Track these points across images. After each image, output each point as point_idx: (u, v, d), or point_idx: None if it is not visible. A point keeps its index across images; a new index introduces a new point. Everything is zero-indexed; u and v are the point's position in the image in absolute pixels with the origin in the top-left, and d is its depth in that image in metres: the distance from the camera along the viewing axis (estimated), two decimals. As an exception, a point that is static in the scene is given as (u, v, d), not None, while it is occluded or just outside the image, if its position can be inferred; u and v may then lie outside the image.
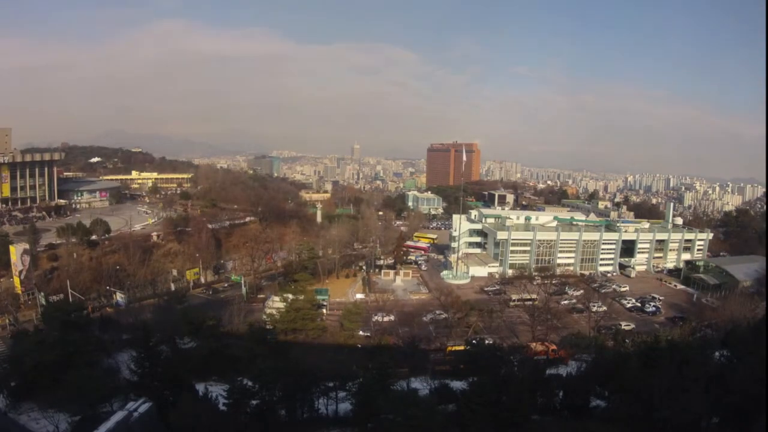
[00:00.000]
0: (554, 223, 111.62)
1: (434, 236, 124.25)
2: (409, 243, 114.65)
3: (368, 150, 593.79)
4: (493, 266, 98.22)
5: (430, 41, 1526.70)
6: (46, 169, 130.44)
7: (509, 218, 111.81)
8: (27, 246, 75.04)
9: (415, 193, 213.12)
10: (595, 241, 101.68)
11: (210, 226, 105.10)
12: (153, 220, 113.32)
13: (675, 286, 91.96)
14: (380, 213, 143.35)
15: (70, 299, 67.17)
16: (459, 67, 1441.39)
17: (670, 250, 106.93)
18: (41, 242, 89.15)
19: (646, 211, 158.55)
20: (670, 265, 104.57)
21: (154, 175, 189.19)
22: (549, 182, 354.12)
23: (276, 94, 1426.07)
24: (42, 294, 69.86)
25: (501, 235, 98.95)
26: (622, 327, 67.16)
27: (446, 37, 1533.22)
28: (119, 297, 72.04)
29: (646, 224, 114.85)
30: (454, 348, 55.93)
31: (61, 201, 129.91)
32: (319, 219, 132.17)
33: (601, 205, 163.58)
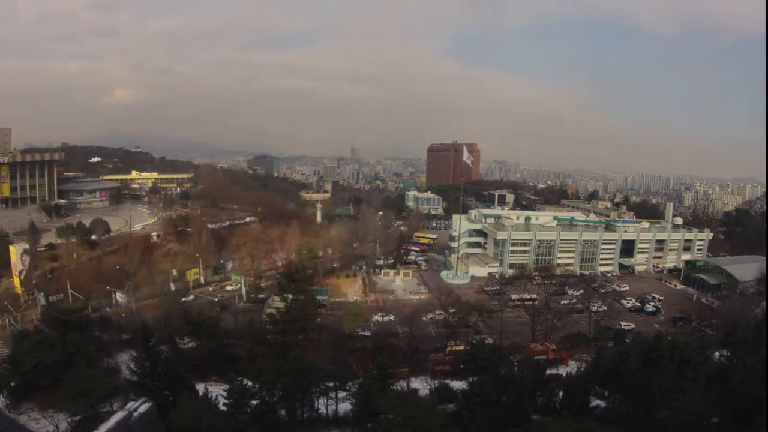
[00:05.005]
0: (554, 223, 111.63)
1: (434, 236, 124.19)
2: (409, 243, 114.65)
3: (368, 150, 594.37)
4: (493, 266, 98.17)
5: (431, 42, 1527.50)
6: (46, 169, 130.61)
7: (509, 218, 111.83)
8: (27, 246, 75.11)
9: (415, 193, 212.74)
10: (594, 241, 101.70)
11: (210, 226, 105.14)
12: (153, 220, 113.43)
13: (675, 286, 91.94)
14: (380, 213, 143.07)
15: (70, 299, 67.17)
16: (461, 67, 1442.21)
17: (670, 250, 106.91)
18: (41, 242, 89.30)
19: (646, 211, 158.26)
20: (670, 265, 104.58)
21: (154, 175, 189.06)
22: (549, 182, 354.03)
23: (275, 92, 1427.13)
24: (42, 294, 69.90)
25: (501, 235, 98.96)
26: (622, 327, 67.14)
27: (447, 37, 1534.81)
28: (119, 297, 72.01)
29: (646, 224, 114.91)
30: (454, 348, 55.92)
31: (61, 201, 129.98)
32: (319, 219, 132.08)
33: (601, 205, 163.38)
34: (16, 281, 71.49)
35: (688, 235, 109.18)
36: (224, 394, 38.68)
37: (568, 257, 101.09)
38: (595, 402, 44.24)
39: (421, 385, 46.57)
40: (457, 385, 45.33)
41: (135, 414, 37.29)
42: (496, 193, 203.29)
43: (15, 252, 71.48)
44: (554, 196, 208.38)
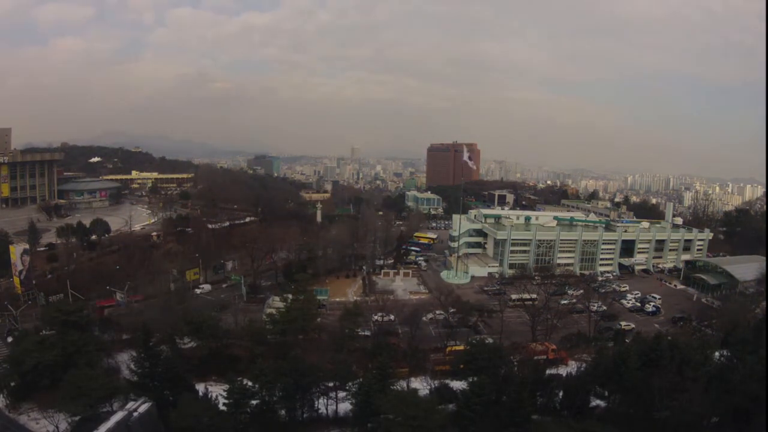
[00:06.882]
0: (554, 223, 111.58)
1: (434, 236, 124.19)
2: (409, 243, 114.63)
3: (368, 150, 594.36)
4: (493, 266, 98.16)
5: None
6: (46, 169, 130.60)
7: (509, 218, 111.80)
8: (27, 246, 75.08)
9: (415, 193, 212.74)
10: (594, 241, 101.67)
11: (210, 226, 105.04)
12: (153, 220, 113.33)
13: (675, 286, 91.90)
14: (380, 213, 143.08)
15: (70, 299, 67.11)
16: (462, 68, 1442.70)
17: (670, 250, 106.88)
18: (41, 242, 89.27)
19: (646, 211, 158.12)
20: (670, 265, 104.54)
21: (154, 175, 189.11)
22: (549, 182, 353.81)
23: (276, 93, 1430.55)
24: (42, 294, 69.85)
25: (501, 235, 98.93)
26: (622, 327, 67.14)
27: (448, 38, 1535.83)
28: (119, 297, 71.95)
29: (646, 224, 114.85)
30: (454, 348, 55.93)
31: (61, 201, 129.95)
32: (319, 219, 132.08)
33: (601, 205, 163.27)
34: (16, 281, 71.45)
35: (688, 235, 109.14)
36: (224, 394, 38.70)
37: (568, 257, 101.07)
38: (595, 402, 44.26)
39: (421, 385, 46.56)
40: (457, 385, 45.33)
41: (135, 414, 37.36)
42: (496, 193, 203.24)
43: (15, 252, 71.43)
44: (554, 196, 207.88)
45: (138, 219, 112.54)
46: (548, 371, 46.62)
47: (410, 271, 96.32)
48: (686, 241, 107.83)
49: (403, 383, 45.60)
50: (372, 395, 37.90)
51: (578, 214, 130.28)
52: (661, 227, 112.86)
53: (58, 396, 39.71)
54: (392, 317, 65.34)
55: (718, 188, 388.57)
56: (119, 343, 56.91)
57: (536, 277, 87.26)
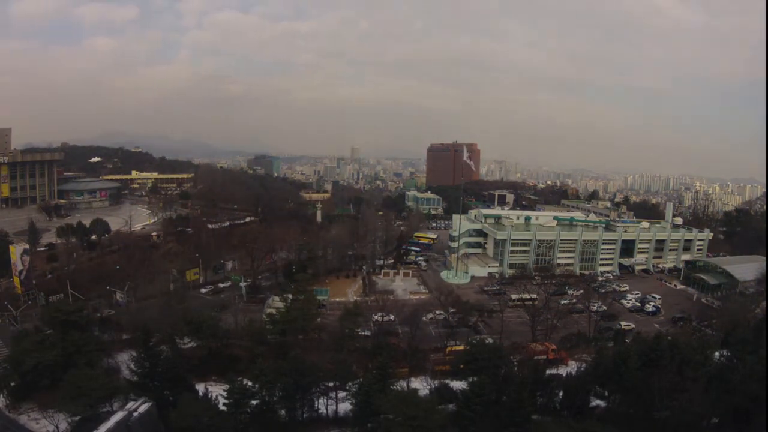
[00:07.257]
0: (554, 223, 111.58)
1: (434, 236, 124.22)
2: (409, 243, 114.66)
3: (368, 150, 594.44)
4: (493, 266, 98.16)
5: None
6: (45, 169, 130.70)
7: (509, 218, 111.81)
8: (27, 246, 75.12)
9: (415, 193, 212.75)
10: (594, 241, 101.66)
11: (210, 226, 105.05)
12: (153, 220, 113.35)
13: (675, 286, 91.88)
14: (380, 213, 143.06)
15: (70, 299, 67.11)
16: (462, 68, 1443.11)
17: (670, 250, 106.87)
18: (41, 242, 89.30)
19: (646, 211, 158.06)
20: (670, 265, 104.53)
21: (154, 175, 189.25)
22: (549, 182, 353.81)
23: (276, 92, 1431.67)
24: (42, 294, 69.85)
25: (501, 235, 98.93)
26: (622, 327, 67.15)
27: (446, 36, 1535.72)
28: (119, 297, 71.98)
29: (645, 224, 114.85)
30: (454, 348, 55.95)
31: (61, 201, 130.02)
32: (319, 219, 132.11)
33: (601, 205, 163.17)
34: (16, 281, 71.48)
35: (688, 235, 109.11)
36: (224, 394, 38.72)
37: (568, 257, 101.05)
38: (595, 402, 44.27)
39: (421, 385, 46.58)
40: (457, 385, 45.35)
41: (135, 414, 37.37)
42: (496, 193, 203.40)
43: (15, 252, 71.47)
44: (554, 196, 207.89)
45: (138, 219, 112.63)
46: (548, 371, 46.62)
47: (410, 271, 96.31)
48: (686, 241, 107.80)
49: (403, 383, 45.62)
50: (372, 395, 37.91)
51: (578, 214, 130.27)
52: (661, 227, 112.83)
53: (58, 396, 39.72)
54: (392, 317, 65.34)
55: (718, 188, 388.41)
56: (119, 343, 56.93)
57: (536, 277, 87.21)
